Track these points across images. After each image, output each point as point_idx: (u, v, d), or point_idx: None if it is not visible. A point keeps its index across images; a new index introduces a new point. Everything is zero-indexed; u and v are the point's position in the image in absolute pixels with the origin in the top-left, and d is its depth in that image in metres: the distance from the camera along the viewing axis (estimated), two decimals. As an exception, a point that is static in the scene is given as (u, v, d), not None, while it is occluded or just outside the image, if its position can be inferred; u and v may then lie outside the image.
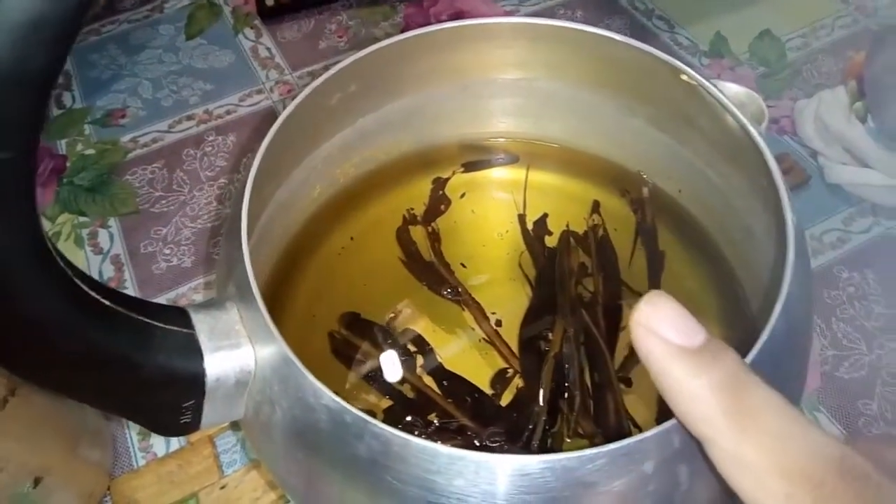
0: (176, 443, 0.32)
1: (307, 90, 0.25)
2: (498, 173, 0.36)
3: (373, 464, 0.18)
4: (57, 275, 0.15)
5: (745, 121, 0.23)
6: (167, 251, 0.38)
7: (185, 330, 0.19)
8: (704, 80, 0.24)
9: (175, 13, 0.51)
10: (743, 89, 0.24)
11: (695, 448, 0.18)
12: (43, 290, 0.14)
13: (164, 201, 0.40)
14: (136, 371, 0.17)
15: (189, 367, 0.19)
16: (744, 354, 0.20)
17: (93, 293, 0.16)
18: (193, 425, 0.20)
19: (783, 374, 0.21)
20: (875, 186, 0.38)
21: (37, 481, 0.26)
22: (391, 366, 0.29)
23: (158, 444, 0.32)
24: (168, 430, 0.20)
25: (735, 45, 0.47)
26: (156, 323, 0.18)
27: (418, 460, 0.18)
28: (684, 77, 0.25)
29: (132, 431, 0.32)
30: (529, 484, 0.17)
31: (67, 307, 0.15)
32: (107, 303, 0.17)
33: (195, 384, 0.19)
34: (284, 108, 0.45)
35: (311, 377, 0.18)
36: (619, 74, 0.29)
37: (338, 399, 0.18)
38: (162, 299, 0.36)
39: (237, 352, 0.20)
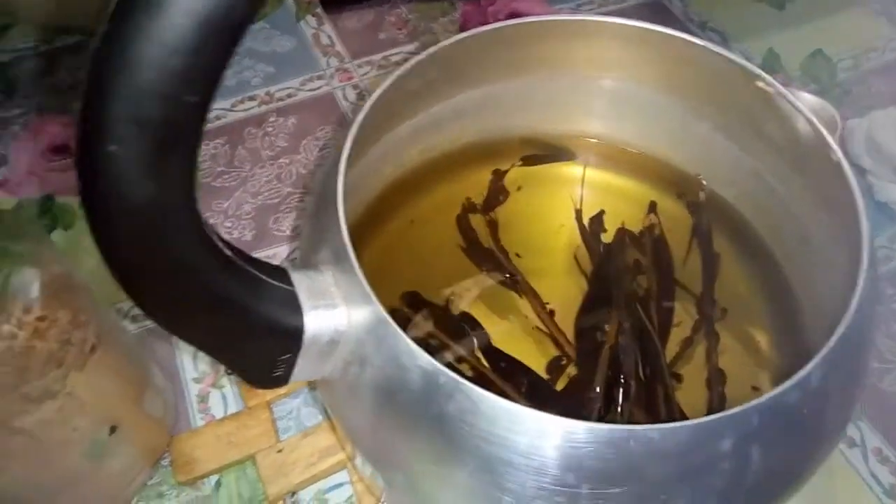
0: (234, 406, 0.33)
1: (399, 71, 0.26)
2: (555, 169, 0.37)
3: (461, 422, 0.19)
4: (196, 219, 0.16)
5: (822, 129, 0.24)
6: (228, 224, 0.39)
7: (287, 287, 0.20)
8: (782, 87, 0.25)
9: (239, -3, 0.52)
10: (816, 99, 0.25)
11: (769, 430, 0.19)
12: (188, 231, 0.15)
13: (225, 176, 0.42)
14: (247, 317, 0.18)
15: (291, 322, 0.20)
16: (802, 355, 0.20)
17: (218, 242, 0.17)
18: (283, 379, 0.21)
19: (847, 377, 0.22)
20: (923, 207, 0.38)
21: (113, 429, 0.27)
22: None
23: (216, 406, 0.33)
24: (261, 381, 0.21)
25: (787, 62, 0.48)
26: (263, 277, 0.19)
27: (505, 421, 0.19)
28: (760, 84, 0.26)
29: (191, 393, 0.33)
30: (612, 451, 0.18)
31: (202, 251, 0.16)
32: (228, 252, 0.18)
33: (293, 339, 0.20)
34: (345, 95, 0.46)
35: (407, 339, 0.19)
36: (690, 78, 0.30)
37: (433, 361, 0.19)
38: (222, 269, 0.38)
39: (332, 312, 0.21)
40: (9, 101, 0.48)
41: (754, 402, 0.18)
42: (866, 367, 0.24)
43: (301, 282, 0.21)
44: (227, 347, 0.19)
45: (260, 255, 0.38)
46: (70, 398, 0.24)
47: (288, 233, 0.39)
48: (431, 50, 0.27)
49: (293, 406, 0.33)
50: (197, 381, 0.34)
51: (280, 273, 0.20)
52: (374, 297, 0.20)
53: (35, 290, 0.22)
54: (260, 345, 0.20)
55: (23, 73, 0.50)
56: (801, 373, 0.19)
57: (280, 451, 0.31)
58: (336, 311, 0.21)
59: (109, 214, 0.14)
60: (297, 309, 0.20)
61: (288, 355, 0.20)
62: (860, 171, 0.42)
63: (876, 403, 0.33)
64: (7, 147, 0.45)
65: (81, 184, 0.14)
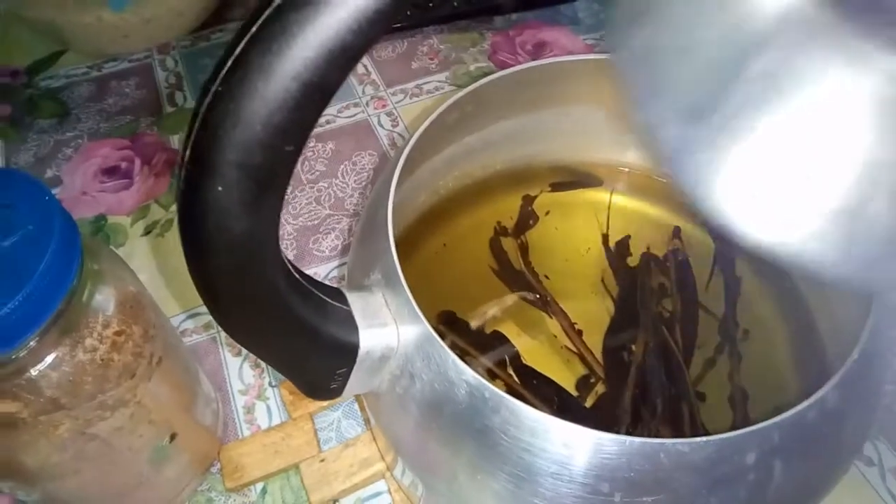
0: (278, 417, 0.35)
1: (442, 107, 0.28)
2: (582, 195, 0.39)
3: (503, 434, 0.21)
4: (279, 249, 0.18)
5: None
6: (271, 244, 0.42)
7: (345, 307, 0.22)
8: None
9: (278, 27, 0.55)
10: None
11: (790, 446, 0.21)
12: (274, 260, 0.17)
13: (267, 198, 0.44)
14: (314, 336, 0.20)
15: (348, 339, 0.22)
16: (821, 375, 0.22)
17: (289, 267, 0.19)
18: (338, 391, 0.23)
19: (863, 398, 0.23)
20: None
21: (173, 436, 0.29)
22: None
23: (261, 417, 0.35)
24: (319, 393, 0.23)
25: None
26: (326, 298, 0.21)
27: (546, 433, 0.20)
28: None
29: (238, 404, 0.35)
30: (645, 463, 0.20)
31: (282, 276, 0.18)
32: (297, 276, 0.20)
33: (350, 354, 0.22)
34: (380, 121, 0.48)
35: (454, 356, 0.21)
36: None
37: (478, 376, 0.21)
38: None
39: (384, 330, 0.23)
40: (62, 124, 0.51)
41: (775, 419, 0.20)
42: (881, 388, 0.25)
43: (356, 302, 0.23)
44: (293, 363, 0.21)
45: (302, 274, 0.40)
46: (139, 407, 0.26)
47: (327, 253, 0.41)
48: (473, 86, 0.29)
49: (334, 418, 0.34)
50: (243, 392, 0.36)
51: (338, 294, 0.22)
52: (422, 317, 0.22)
53: (112, 307, 0.24)
54: (321, 360, 0.21)
55: (75, 97, 0.53)
56: (819, 393, 0.21)
57: (323, 460, 0.33)
58: (387, 329, 0.23)
59: (210, 246, 0.16)
60: (353, 327, 0.22)
61: (344, 370, 0.22)
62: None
63: (893, 424, 0.34)
64: (61, 169, 0.48)
65: (185, 219, 0.16)
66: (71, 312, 0.23)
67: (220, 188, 0.15)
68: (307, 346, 0.20)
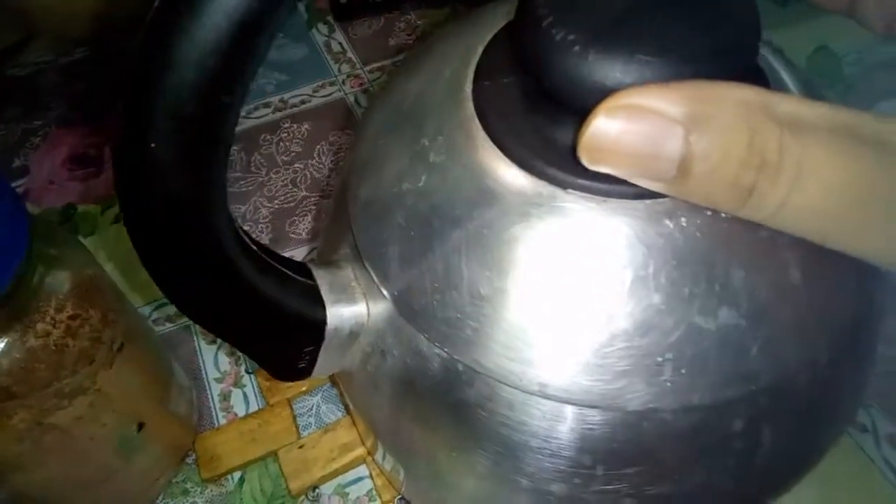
0: (255, 404, 0.33)
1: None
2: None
3: (480, 409, 0.19)
4: (228, 216, 0.17)
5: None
6: (246, 228, 0.40)
7: (309, 282, 0.21)
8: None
9: (251, 7, 0.54)
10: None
11: (779, 412, 0.20)
12: (221, 226, 0.16)
13: (242, 182, 0.43)
14: (274, 311, 0.19)
15: (314, 315, 0.20)
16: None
17: (247, 240, 0.18)
18: (307, 371, 0.22)
19: (855, 362, 0.22)
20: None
21: (140, 426, 0.28)
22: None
23: (238, 404, 0.34)
24: (285, 374, 0.22)
25: (792, 57, 0.49)
26: (289, 273, 0.20)
27: (522, 406, 0.19)
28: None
29: (214, 392, 0.34)
30: (626, 433, 0.19)
31: (233, 245, 0.17)
32: (255, 249, 0.19)
33: (316, 332, 0.21)
34: (357, 100, 0.47)
35: (426, 328, 0.20)
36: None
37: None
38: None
39: (353, 306, 0.21)
40: (29, 113, 0.49)
41: (763, 384, 0.19)
42: (874, 352, 0.24)
43: (323, 277, 0.22)
44: (254, 341, 0.20)
45: (277, 257, 0.39)
46: (100, 395, 0.25)
47: (304, 236, 0.40)
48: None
49: (313, 403, 0.33)
50: (218, 380, 0.34)
51: (302, 269, 0.21)
52: (392, 290, 0.21)
53: (67, 290, 0.23)
54: (285, 338, 0.20)
55: (42, 85, 0.51)
56: (809, 357, 0.20)
57: (301, 446, 0.31)
58: (356, 305, 0.21)
59: (146, 206, 0.15)
60: (319, 303, 0.21)
61: (311, 348, 0.21)
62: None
63: (888, 391, 0.33)
64: (28, 158, 0.46)
65: (120, 178, 0.14)
66: (20, 296, 0.21)
67: (153, 143, 0.13)
68: (266, 322, 0.19)
